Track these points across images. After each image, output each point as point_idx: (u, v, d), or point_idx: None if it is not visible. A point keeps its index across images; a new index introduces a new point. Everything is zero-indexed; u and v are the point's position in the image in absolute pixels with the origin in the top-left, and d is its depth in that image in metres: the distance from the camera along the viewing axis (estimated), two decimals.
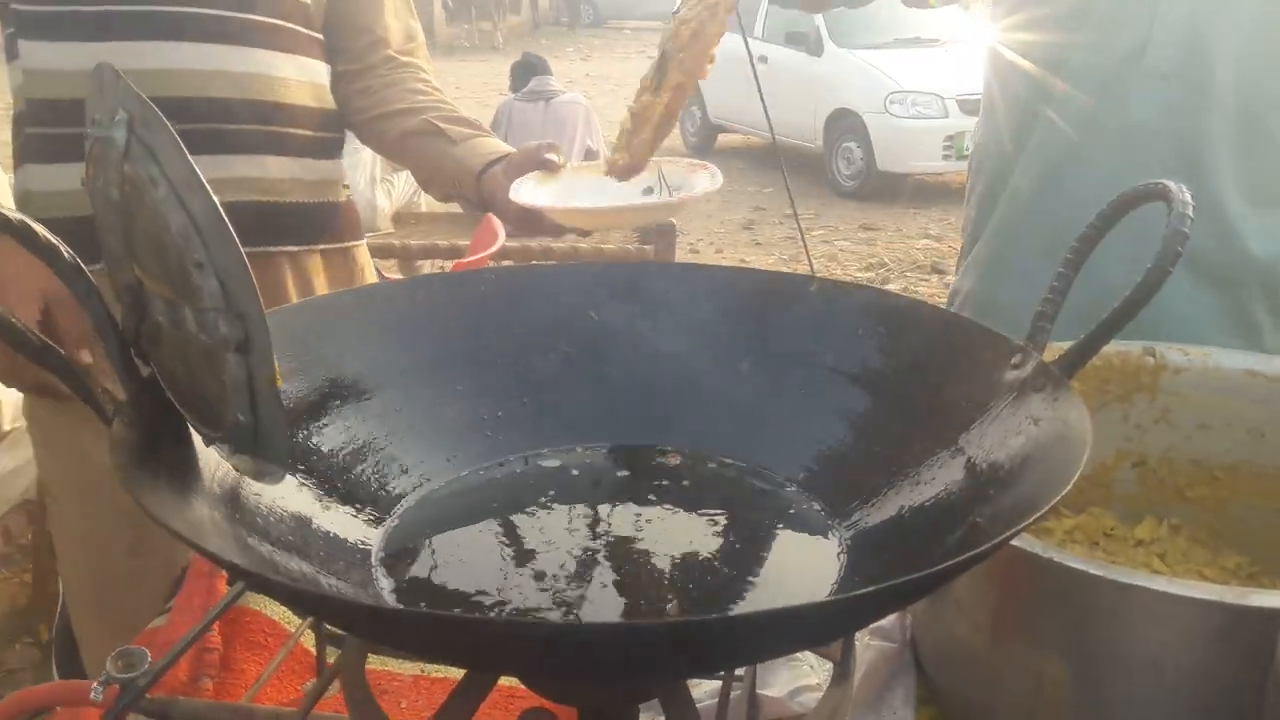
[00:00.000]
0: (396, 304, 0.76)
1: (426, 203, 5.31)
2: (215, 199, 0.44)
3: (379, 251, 3.32)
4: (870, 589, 0.38)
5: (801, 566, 0.60)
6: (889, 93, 7.74)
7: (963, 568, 0.43)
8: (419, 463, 0.68)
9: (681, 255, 5.12)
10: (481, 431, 0.72)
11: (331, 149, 1.35)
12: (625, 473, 0.70)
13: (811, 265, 1.30)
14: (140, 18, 1.14)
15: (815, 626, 0.42)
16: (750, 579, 0.59)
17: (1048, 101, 1.18)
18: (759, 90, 1.57)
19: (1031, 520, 0.45)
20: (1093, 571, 0.62)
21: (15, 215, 0.52)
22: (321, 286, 1.34)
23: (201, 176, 0.44)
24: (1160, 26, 1.09)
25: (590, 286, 0.79)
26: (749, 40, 1.75)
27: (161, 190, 0.45)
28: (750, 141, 9.29)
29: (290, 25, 1.25)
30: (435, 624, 0.40)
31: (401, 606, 0.53)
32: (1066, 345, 0.62)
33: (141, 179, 0.45)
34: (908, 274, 5.92)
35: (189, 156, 0.44)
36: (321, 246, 1.34)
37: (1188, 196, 0.58)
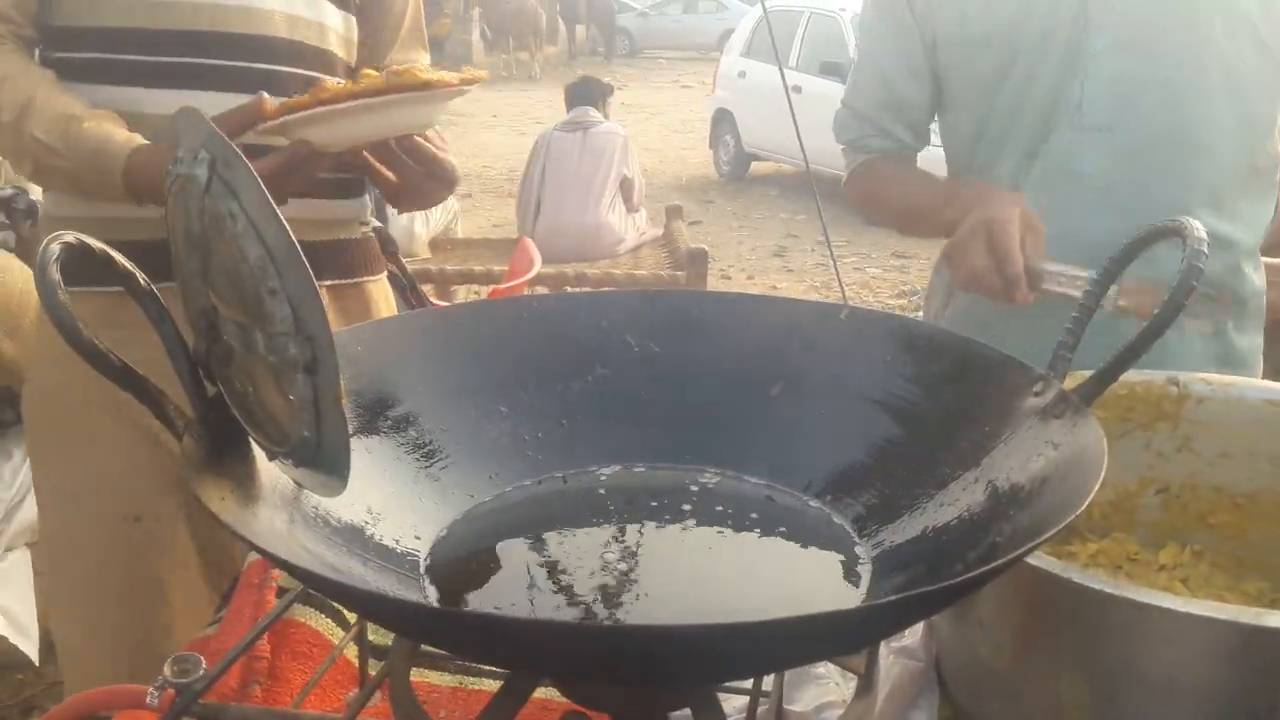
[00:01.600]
0: (443, 329, 0.79)
1: (463, 229, 5.39)
2: (289, 230, 0.48)
3: (417, 277, 3.38)
4: (895, 597, 0.41)
5: (829, 581, 0.63)
6: None
7: (981, 580, 0.46)
8: (464, 479, 0.71)
9: (713, 282, 5.16)
10: (523, 451, 0.75)
11: (350, 188, 1.36)
12: (659, 491, 0.73)
13: (844, 292, 1.34)
14: (172, 68, 1.19)
15: (844, 633, 0.44)
16: (779, 592, 0.62)
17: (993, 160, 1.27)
18: (793, 119, 1.60)
19: (1047, 536, 0.48)
20: (1111, 591, 0.64)
21: (97, 244, 0.56)
22: (333, 321, 1.36)
23: (277, 209, 0.48)
24: (1091, 84, 1.19)
25: (626, 313, 0.82)
26: (784, 70, 1.79)
27: (240, 224, 0.49)
28: (783, 170, 9.33)
29: (317, 75, 1.27)
30: (483, 624, 0.43)
31: (454, 609, 0.56)
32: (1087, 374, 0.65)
33: (221, 214, 0.50)
34: None
35: (266, 192, 0.48)
36: (328, 282, 1.35)
37: (1202, 233, 0.61)
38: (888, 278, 6.50)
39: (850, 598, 0.59)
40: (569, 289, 3.32)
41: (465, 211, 6.31)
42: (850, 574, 0.62)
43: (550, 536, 0.69)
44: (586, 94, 5.30)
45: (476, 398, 0.76)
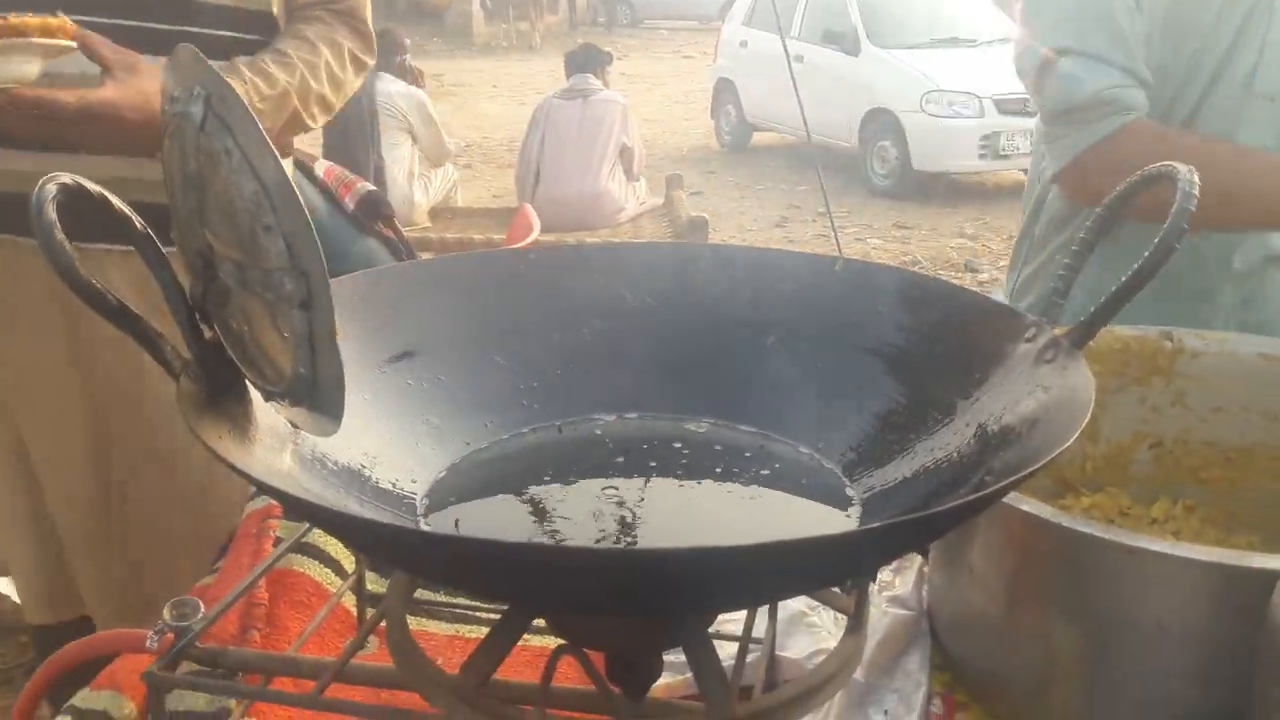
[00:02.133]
0: (441, 279, 0.80)
1: (463, 198, 5.38)
2: (284, 167, 0.48)
3: (416, 245, 3.39)
4: (884, 522, 0.41)
5: (820, 523, 0.64)
6: (925, 92, 7.72)
7: (972, 508, 0.46)
8: (460, 427, 0.72)
9: None
10: (518, 400, 0.75)
11: None
12: (653, 439, 0.74)
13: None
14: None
15: (835, 558, 0.45)
16: (771, 531, 0.62)
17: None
18: (795, 89, 1.59)
19: (1040, 465, 0.48)
20: (1101, 535, 0.65)
21: (94, 188, 0.57)
22: None
23: (272, 146, 0.48)
24: (1270, 50, 1.15)
25: (623, 267, 0.82)
26: (785, 39, 1.79)
27: (235, 160, 0.49)
28: (785, 140, 9.29)
29: (170, 27, 1.24)
30: (479, 549, 0.44)
31: (450, 533, 0.57)
32: None
33: (216, 151, 0.50)
34: (941, 272, 5.91)
35: (261, 128, 0.48)
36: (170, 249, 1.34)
37: (1195, 177, 0.61)
38: (889, 248, 6.48)
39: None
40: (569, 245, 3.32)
41: (465, 181, 6.30)
42: (841, 516, 0.63)
43: (546, 482, 0.69)
44: (586, 61, 5.27)
45: (473, 347, 0.76)
